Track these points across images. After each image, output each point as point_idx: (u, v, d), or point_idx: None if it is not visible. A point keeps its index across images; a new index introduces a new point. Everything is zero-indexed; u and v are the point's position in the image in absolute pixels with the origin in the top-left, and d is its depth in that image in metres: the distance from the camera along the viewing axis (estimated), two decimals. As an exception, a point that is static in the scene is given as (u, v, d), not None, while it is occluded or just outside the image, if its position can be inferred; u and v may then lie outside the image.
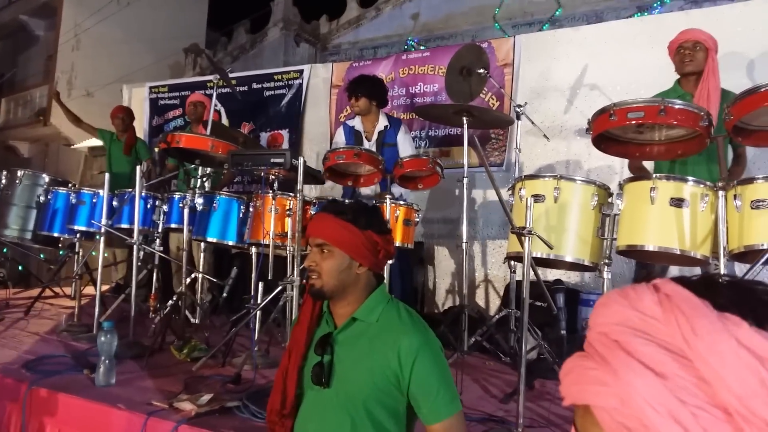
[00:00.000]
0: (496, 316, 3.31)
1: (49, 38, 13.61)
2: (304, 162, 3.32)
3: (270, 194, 3.45)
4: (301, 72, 6.05)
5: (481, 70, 3.67)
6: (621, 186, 2.62)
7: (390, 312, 1.60)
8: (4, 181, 4.75)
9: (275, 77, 6.19)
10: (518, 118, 3.61)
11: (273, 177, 3.50)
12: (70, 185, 4.68)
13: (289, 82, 6.09)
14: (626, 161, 3.37)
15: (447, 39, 9.70)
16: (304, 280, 1.69)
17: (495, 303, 4.50)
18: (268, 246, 3.43)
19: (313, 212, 3.52)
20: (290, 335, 1.74)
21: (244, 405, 2.39)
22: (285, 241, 3.40)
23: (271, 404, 1.66)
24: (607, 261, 2.61)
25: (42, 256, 6.45)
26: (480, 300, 4.59)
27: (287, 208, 3.42)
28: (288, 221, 3.40)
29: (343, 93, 5.60)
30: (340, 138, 4.24)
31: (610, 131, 2.65)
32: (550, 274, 3.88)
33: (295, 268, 3.23)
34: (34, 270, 6.99)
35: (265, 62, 11.15)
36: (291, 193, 3.45)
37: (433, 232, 4.92)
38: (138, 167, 3.74)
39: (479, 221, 4.69)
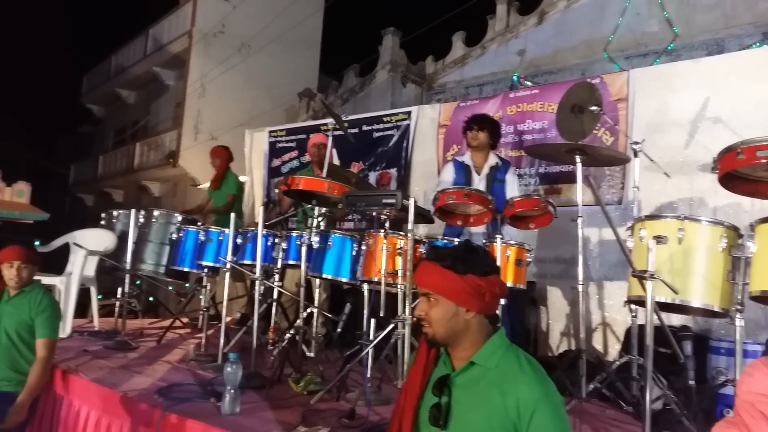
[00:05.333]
0: (617, 363, 3.16)
1: (178, 87, 14.94)
2: (415, 202, 3.42)
3: (381, 233, 3.56)
4: (409, 113, 6.22)
5: (594, 108, 3.60)
6: (752, 227, 2.46)
7: (509, 358, 1.59)
8: (142, 220, 5.21)
9: (384, 119, 6.41)
10: (635, 155, 3.50)
11: (384, 216, 3.60)
12: (199, 224, 5.07)
13: (398, 123, 6.27)
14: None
15: (555, 74, 9.58)
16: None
17: (614, 347, 4.29)
18: (379, 283, 3.52)
19: (422, 251, 3.58)
20: (407, 375, 1.78)
21: (360, 441, 2.45)
22: (396, 279, 3.47)
23: (387, 442, 1.70)
24: (739, 307, 2.45)
25: (171, 288, 6.96)
26: (598, 344, 4.40)
27: (398, 246, 3.50)
28: (399, 260, 3.48)
29: (451, 132, 5.69)
30: (449, 173, 4.32)
31: (737, 170, 2.52)
32: (675, 319, 3.67)
33: (407, 307, 3.29)
34: (162, 301, 7.54)
35: (373, 103, 11.54)
36: (401, 233, 3.54)
37: (546, 272, 4.81)
38: (261, 207, 3.98)
39: (595, 261, 4.53)
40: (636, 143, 3.50)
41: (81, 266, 5.04)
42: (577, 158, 3.33)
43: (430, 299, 1.62)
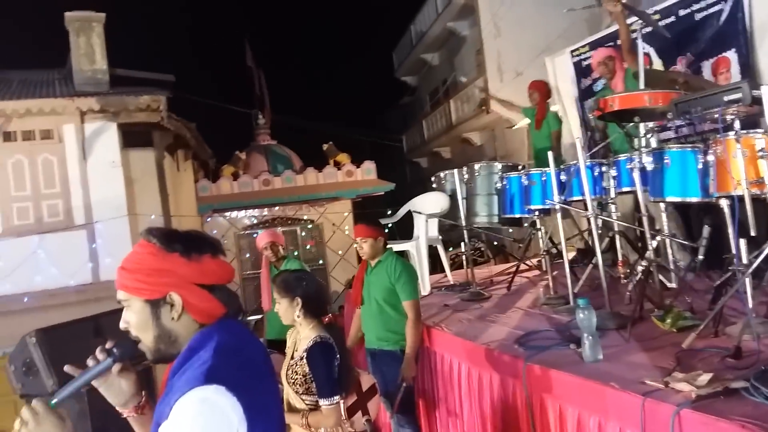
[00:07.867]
0: None
1: (473, 35, 15.12)
2: (772, 88, 2.74)
3: (732, 136, 2.95)
4: (738, -25, 5.04)
5: None
6: None
7: None
8: (466, 176, 5.43)
9: (704, -6, 5.34)
10: None
11: (731, 116, 2.97)
12: (520, 168, 5.03)
13: (724, -7, 5.15)
14: None
15: None
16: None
17: None
18: (741, 197, 2.93)
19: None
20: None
21: (754, 387, 2.07)
22: (764, 188, 2.84)
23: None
24: None
25: (510, 231, 7.14)
26: None
27: (758, 148, 2.85)
28: (763, 164, 2.83)
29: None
30: None
31: None
32: None
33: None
34: (507, 247, 7.78)
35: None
36: (760, 130, 2.87)
37: None
38: (578, 138, 3.72)
39: None
40: None
41: (424, 229, 5.52)
42: None
43: None
